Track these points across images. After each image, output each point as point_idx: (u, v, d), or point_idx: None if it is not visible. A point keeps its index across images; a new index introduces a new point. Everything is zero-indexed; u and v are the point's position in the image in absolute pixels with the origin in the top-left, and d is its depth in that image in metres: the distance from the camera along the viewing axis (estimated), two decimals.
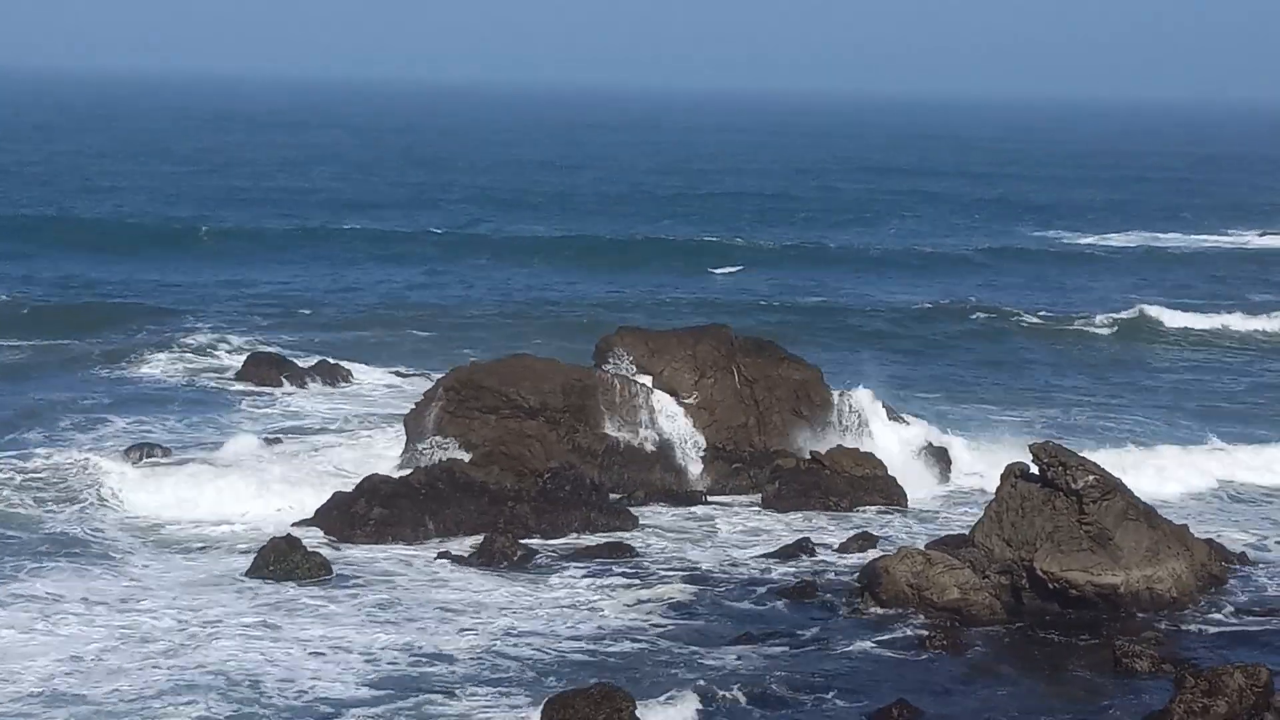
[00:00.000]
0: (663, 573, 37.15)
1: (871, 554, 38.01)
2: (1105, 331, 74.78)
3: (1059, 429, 52.26)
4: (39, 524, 38.76)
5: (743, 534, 40.88)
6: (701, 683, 29.87)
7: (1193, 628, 34.30)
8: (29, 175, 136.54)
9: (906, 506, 43.57)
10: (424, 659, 30.91)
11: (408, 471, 42.09)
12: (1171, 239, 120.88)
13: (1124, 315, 76.91)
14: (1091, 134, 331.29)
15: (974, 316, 77.34)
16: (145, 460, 44.43)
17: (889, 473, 45.09)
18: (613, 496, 42.60)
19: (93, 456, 43.01)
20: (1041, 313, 78.47)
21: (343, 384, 57.41)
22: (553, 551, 38.65)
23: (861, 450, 45.55)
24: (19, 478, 41.91)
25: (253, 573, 35.72)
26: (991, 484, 38.19)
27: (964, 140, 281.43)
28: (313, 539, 38.02)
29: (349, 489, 40.70)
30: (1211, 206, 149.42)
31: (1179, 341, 73.78)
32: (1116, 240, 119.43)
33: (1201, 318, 78.01)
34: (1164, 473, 46.79)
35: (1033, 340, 72.68)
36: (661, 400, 45.28)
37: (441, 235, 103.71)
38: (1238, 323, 77.26)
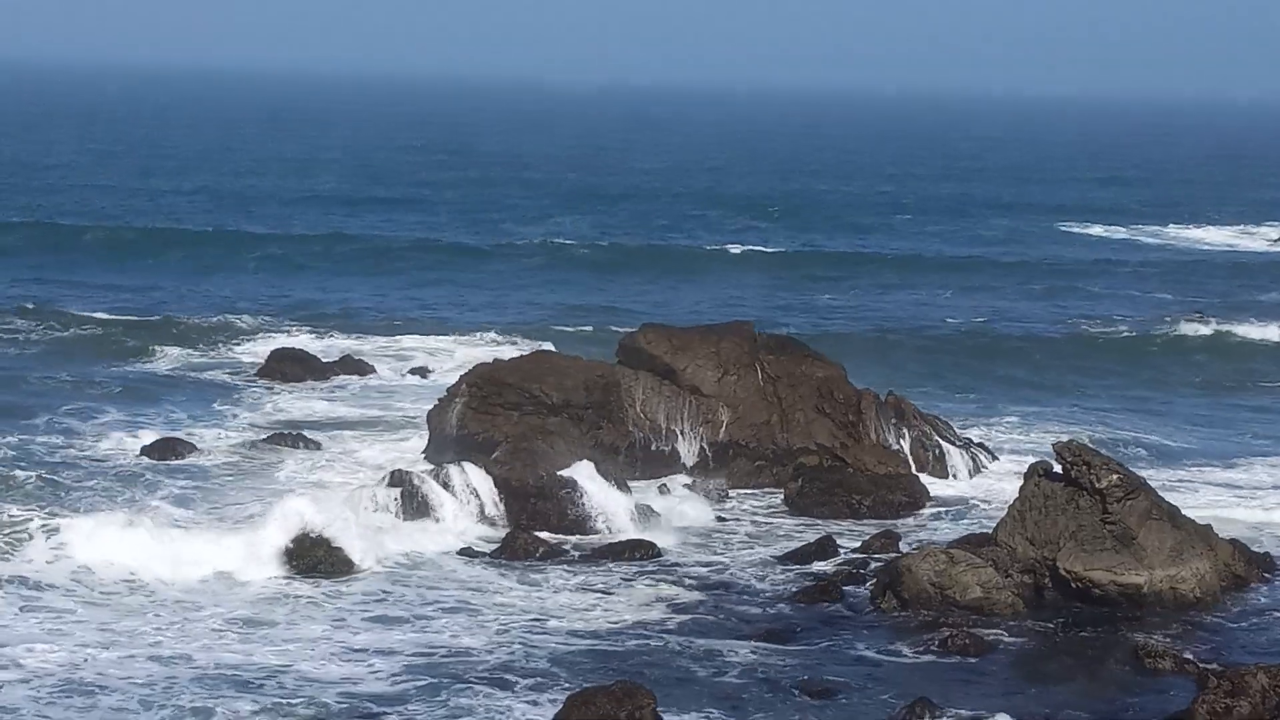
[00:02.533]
0: (685, 570, 37.16)
1: (894, 553, 37.97)
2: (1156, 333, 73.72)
3: (1059, 421, 52.20)
4: (38, 506, 38.70)
5: (765, 532, 40.85)
6: (724, 681, 29.95)
7: (1216, 627, 34.23)
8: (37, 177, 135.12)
9: (930, 505, 43.48)
10: (446, 655, 30.94)
11: (431, 468, 42.10)
12: (1173, 234, 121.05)
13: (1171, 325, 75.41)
14: (1094, 131, 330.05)
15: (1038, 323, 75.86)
16: (171, 457, 44.75)
17: (913, 471, 45.08)
18: (635, 494, 42.54)
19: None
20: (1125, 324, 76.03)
21: (366, 380, 57.49)
22: (574, 548, 38.66)
23: (885, 448, 45.55)
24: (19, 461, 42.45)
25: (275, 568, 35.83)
26: (1016, 484, 38.15)
27: (973, 139, 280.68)
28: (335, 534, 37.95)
29: (373, 484, 40.76)
30: (1230, 205, 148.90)
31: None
32: (1121, 234, 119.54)
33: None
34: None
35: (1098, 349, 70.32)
36: (684, 397, 45.27)
37: (469, 240, 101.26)
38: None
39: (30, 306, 68.62)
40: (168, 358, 60.31)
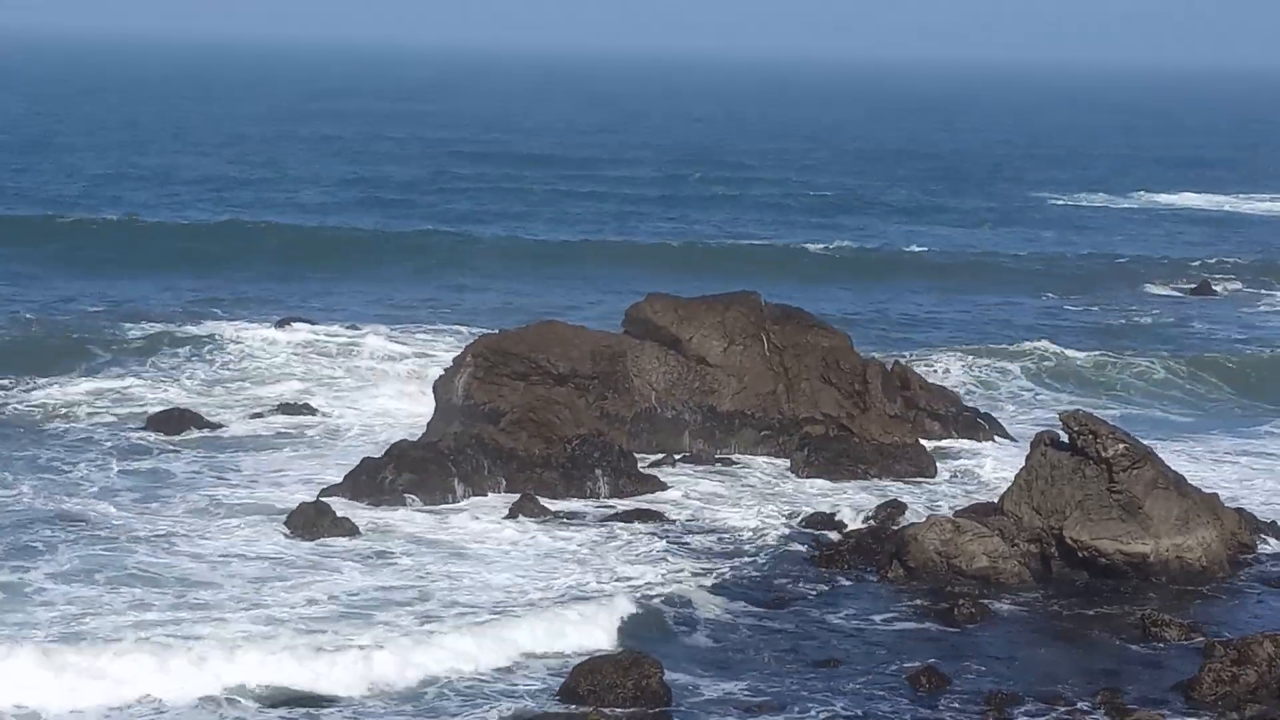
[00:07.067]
0: (691, 539, 37.15)
1: (900, 521, 37.95)
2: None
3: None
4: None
5: (771, 501, 40.80)
6: (729, 649, 29.97)
7: (1222, 596, 34.23)
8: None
9: (936, 474, 43.42)
10: (453, 617, 30.97)
11: (436, 438, 42.11)
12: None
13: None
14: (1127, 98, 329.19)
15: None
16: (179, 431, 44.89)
17: (919, 440, 45.00)
18: (641, 463, 42.55)
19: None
20: None
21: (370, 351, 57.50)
22: (580, 518, 38.65)
23: (891, 418, 45.46)
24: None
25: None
26: (1022, 453, 38.10)
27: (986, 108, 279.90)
28: (341, 505, 37.92)
29: (378, 454, 40.75)
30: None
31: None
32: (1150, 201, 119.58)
33: None
34: None
35: None
36: (690, 367, 45.20)
37: (503, 237, 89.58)
38: None
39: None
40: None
